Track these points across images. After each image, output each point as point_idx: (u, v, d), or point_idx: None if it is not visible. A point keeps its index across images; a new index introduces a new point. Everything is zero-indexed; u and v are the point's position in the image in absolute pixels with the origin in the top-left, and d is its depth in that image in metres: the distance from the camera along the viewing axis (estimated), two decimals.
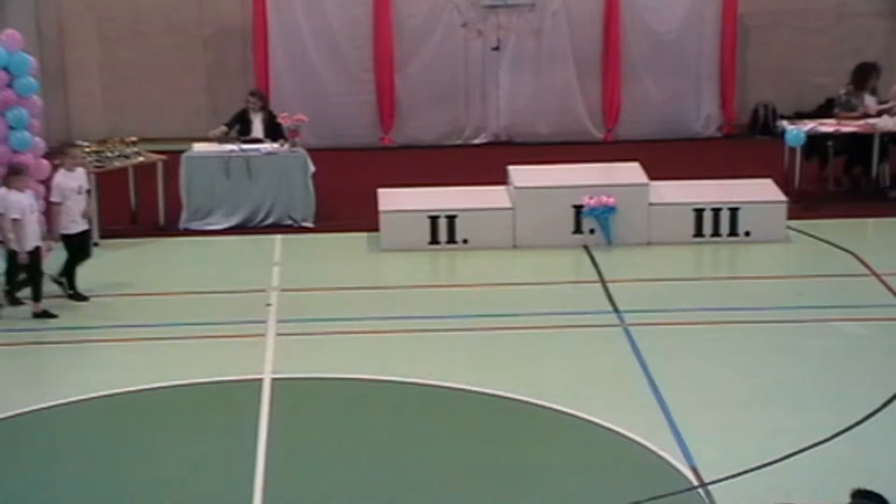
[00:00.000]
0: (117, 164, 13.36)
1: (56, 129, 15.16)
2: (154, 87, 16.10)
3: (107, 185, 13.25)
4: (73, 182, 11.27)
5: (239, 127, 13.99)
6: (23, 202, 10.79)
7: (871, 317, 11.08)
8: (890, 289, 11.66)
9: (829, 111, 14.72)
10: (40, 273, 11.03)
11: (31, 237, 10.90)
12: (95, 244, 13.07)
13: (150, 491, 8.52)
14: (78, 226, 11.33)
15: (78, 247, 11.40)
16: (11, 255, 10.94)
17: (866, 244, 12.85)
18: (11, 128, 11.81)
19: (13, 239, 10.82)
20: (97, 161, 13.23)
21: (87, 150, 13.31)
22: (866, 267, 12.21)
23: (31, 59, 11.98)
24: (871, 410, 9.35)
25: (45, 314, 11.05)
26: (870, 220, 13.65)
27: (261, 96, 14.33)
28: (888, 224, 13.50)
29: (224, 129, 13.84)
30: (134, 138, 13.64)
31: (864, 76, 14.41)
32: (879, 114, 14.13)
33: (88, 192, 11.69)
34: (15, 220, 10.76)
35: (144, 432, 9.32)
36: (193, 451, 9.02)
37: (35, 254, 10.96)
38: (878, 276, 11.98)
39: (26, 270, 11.01)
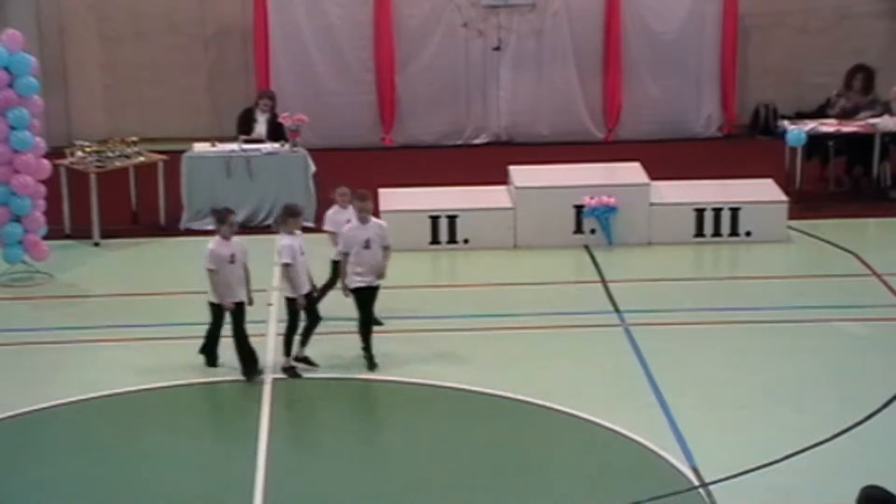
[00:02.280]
0: (118, 164, 13.36)
1: (57, 129, 15.16)
2: (155, 87, 16.09)
3: (107, 185, 13.24)
4: (363, 234, 10.01)
5: (243, 126, 14.01)
6: (293, 245, 9.84)
7: (872, 317, 11.08)
8: (890, 289, 11.66)
9: (826, 111, 14.73)
10: (317, 318, 10.02)
11: (305, 280, 9.91)
12: (96, 244, 13.10)
13: (151, 491, 8.52)
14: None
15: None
16: (290, 303, 9.84)
17: (867, 244, 12.85)
18: (12, 128, 11.81)
19: (288, 286, 9.77)
20: (98, 161, 13.22)
21: (88, 150, 13.32)
22: (867, 267, 12.20)
23: (32, 59, 11.98)
24: (871, 410, 9.35)
25: (303, 363, 10.04)
26: (870, 221, 13.64)
27: (270, 97, 14.32)
28: (889, 224, 13.49)
29: (243, 139, 13.80)
30: (135, 138, 13.63)
31: (850, 77, 14.43)
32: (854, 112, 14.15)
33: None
34: (287, 265, 9.80)
35: (145, 432, 9.31)
36: (194, 451, 9.03)
37: (310, 297, 9.95)
38: (878, 276, 11.98)
39: (307, 316, 9.84)
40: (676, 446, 8.90)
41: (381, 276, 10.01)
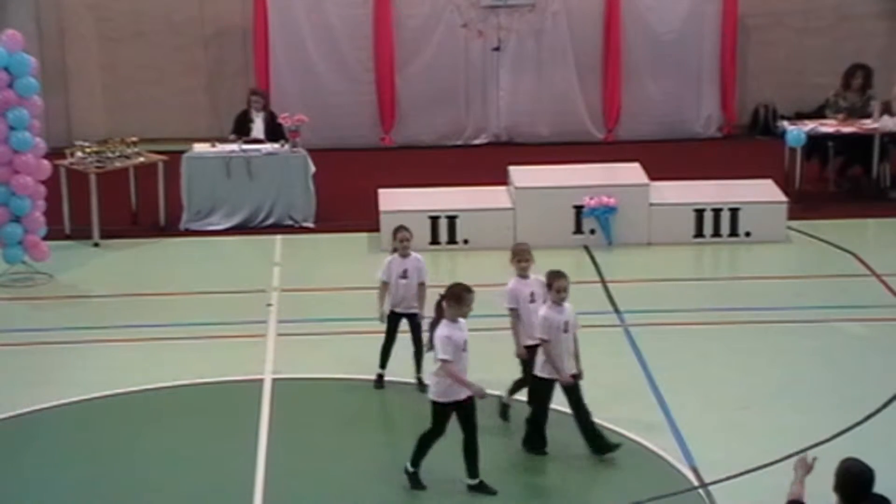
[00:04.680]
0: (118, 164, 13.36)
1: (56, 129, 15.16)
2: (154, 87, 16.09)
3: (107, 185, 13.24)
4: (526, 289, 9.12)
5: (240, 128, 14.01)
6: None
7: (872, 317, 11.08)
8: (890, 289, 11.66)
9: (824, 112, 14.73)
10: (475, 428, 8.47)
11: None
12: (96, 245, 13.10)
13: (151, 491, 8.52)
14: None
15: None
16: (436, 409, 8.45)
17: (866, 244, 12.86)
18: (12, 128, 11.81)
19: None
20: (98, 161, 13.23)
21: (88, 150, 13.32)
22: (866, 267, 12.21)
23: (32, 60, 11.98)
24: (871, 410, 9.36)
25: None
26: (870, 221, 13.64)
27: (262, 95, 14.36)
28: (888, 224, 13.50)
29: (234, 137, 13.82)
30: (134, 138, 13.63)
31: (848, 76, 14.44)
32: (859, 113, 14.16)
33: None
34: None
35: (145, 432, 9.32)
36: (194, 451, 9.03)
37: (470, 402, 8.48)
38: (878, 276, 11.98)
39: (462, 426, 8.43)
40: (676, 446, 8.91)
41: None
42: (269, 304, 11.50)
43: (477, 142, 16.23)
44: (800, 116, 15.16)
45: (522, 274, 9.07)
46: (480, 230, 12.74)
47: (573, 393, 8.66)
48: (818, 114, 15.07)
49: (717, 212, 12.90)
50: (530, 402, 8.86)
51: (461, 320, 8.28)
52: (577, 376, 8.65)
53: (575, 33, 15.98)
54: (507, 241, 12.69)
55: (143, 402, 9.77)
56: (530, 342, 8.92)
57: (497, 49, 16.05)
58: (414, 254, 9.78)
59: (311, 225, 13.52)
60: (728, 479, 8.49)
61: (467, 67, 16.09)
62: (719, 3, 15.99)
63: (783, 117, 15.26)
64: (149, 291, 11.92)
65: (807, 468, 6.21)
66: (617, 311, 11.13)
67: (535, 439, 8.80)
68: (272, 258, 12.75)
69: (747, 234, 12.91)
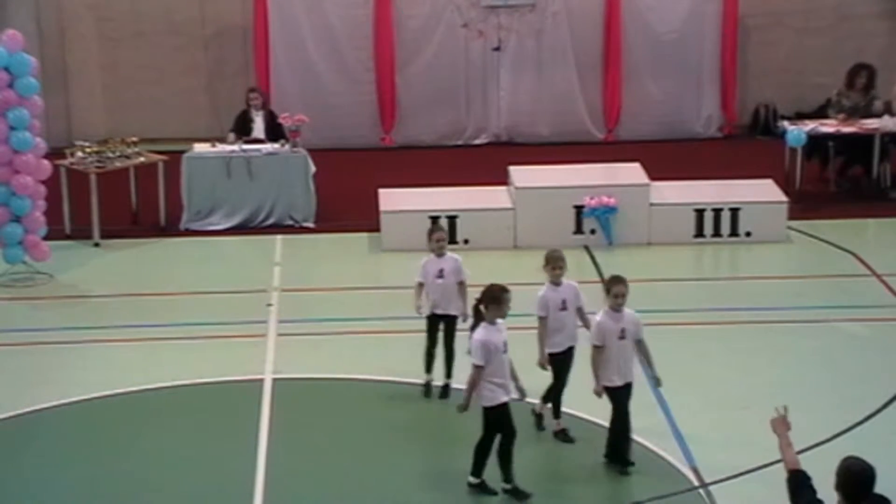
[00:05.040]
0: (118, 164, 13.36)
1: (57, 129, 15.16)
2: (155, 87, 16.09)
3: (108, 185, 13.24)
4: (558, 296, 8.92)
5: (241, 128, 14.01)
6: (489, 342, 8.20)
7: (872, 317, 11.08)
8: (890, 289, 11.66)
9: (826, 112, 14.72)
10: (513, 433, 8.31)
11: (506, 386, 8.29)
12: (96, 244, 13.10)
13: (151, 491, 8.52)
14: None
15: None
16: (487, 414, 8.31)
17: (867, 244, 12.85)
18: (12, 128, 11.82)
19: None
20: (98, 161, 13.23)
21: (88, 150, 13.32)
22: (867, 267, 12.20)
23: (32, 60, 11.98)
24: (871, 411, 9.36)
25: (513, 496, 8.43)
26: (870, 221, 13.64)
27: (261, 92, 14.37)
28: (889, 224, 13.49)
29: (233, 136, 13.83)
30: (135, 138, 13.63)
31: (852, 76, 14.44)
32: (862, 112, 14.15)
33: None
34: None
35: (145, 432, 9.32)
36: (194, 451, 9.03)
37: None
38: (878, 276, 11.98)
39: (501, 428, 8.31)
40: (676, 447, 8.91)
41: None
42: (270, 304, 11.50)
43: (477, 142, 16.23)
44: (800, 116, 15.16)
45: (555, 281, 8.89)
46: (481, 230, 12.73)
47: (621, 400, 8.45)
48: (818, 114, 15.07)
49: (717, 212, 12.89)
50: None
51: (499, 322, 8.15)
52: (623, 387, 8.41)
53: (575, 33, 15.98)
54: (508, 242, 12.76)
55: (143, 402, 9.77)
56: (555, 350, 8.84)
57: (497, 49, 16.04)
58: (450, 253, 9.67)
59: (311, 225, 13.52)
60: (728, 479, 8.49)
61: (467, 67, 16.09)
62: (719, 3, 15.99)
63: (783, 117, 15.26)
64: (149, 291, 11.92)
65: (787, 425, 6.21)
66: None
67: (619, 451, 8.52)
68: (272, 258, 12.75)
69: (748, 234, 12.91)
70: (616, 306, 8.41)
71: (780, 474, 7.95)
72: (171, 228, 13.44)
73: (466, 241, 12.77)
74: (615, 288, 8.41)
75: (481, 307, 8.17)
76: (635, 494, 8.37)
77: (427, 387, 9.68)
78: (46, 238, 12.29)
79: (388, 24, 15.82)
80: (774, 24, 16.36)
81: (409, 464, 8.84)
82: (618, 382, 8.46)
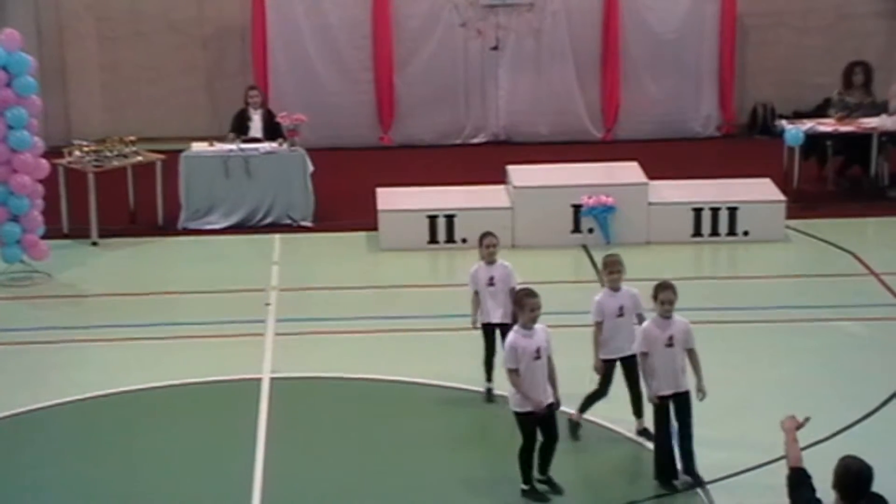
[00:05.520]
0: (116, 163, 13.36)
1: (55, 128, 15.16)
2: (153, 86, 16.09)
3: (105, 184, 13.23)
4: (615, 302, 8.77)
5: (238, 127, 14.01)
6: (519, 348, 8.05)
7: (870, 316, 11.08)
8: (889, 288, 11.66)
9: (826, 111, 14.71)
10: (555, 437, 8.25)
11: (540, 389, 8.09)
12: (94, 244, 13.10)
13: (149, 490, 8.52)
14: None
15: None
16: (519, 419, 8.19)
17: (865, 244, 12.85)
18: (10, 127, 11.81)
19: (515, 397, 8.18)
20: (96, 160, 13.22)
21: (86, 149, 13.32)
22: (865, 266, 12.21)
23: (31, 59, 11.98)
24: (869, 409, 9.36)
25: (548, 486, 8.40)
26: (869, 220, 13.64)
27: (260, 90, 14.38)
28: (887, 223, 13.50)
29: (233, 136, 13.82)
30: (133, 138, 13.63)
31: (849, 74, 14.45)
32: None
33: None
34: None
35: (142, 432, 9.31)
36: (192, 450, 9.03)
37: (550, 409, 8.26)
38: (876, 275, 11.98)
39: (543, 433, 8.21)
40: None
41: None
42: (268, 304, 11.49)
43: (475, 141, 16.23)
44: (798, 116, 15.16)
45: (613, 286, 8.71)
46: (479, 229, 12.57)
47: (666, 412, 8.24)
48: (817, 113, 15.06)
49: (715, 211, 12.90)
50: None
51: (536, 328, 7.99)
52: (671, 395, 8.18)
53: (574, 32, 15.98)
54: (506, 241, 12.69)
55: (141, 401, 9.77)
56: (611, 357, 8.72)
57: (496, 48, 16.04)
58: (500, 261, 9.47)
59: (309, 224, 13.52)
60: (726, 477, 8.49)
61: (466, 67, 16.09)
62: (718, 3, 15.99)
63: (781, 116, 15.26)
64: (147, 290, 11.92)
65: (797, 424, 6.21)
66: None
67: (666, 469, 8.28)
68: (270, 257, 12.75)
69: (745, 234, 12.91)
70: (664, 313, 8.18)
71: (777, 473, 7.95)
72: (169, 227, 13.44)
73: (465, 241, 12.76)
74: (662, 294, 8.17)
75: (516, 307, 8.14)
76: (632, 494, 8.37)
77: (489, 393, 9.54)
78: (44, 237, 12.29)
79: (386, 23, 15.82)
80: (773, 23, 16.36)
81: (409, 463, 8.84)
82: (665, 391, 8.21)
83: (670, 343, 8.16)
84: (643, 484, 8.48)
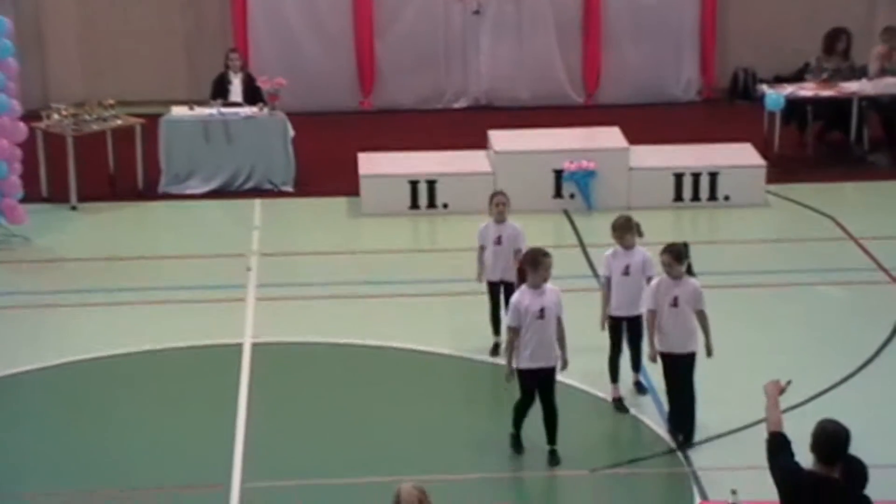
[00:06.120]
0: (95, 127, 13.25)
1: (33, 91, 15.00)
2: (132, 49, 15.94)
3: (84, 148, 13.14)
4: (621, 262, 8.98)
5: (218, 91, 13.91)
6: (521, 306, 8.16)
7: (849, 280, 11.15)
8: (867, 253, 11.73)
9: (804, 76, 14.71)
10: (553, 409, 8.35)
11: (544, 350, 8.23)
12: (73, 208, 13.03)
13: (130, 455, 8.52)
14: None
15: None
16: (519, 377, 8.33)
17: (845, 208, 12.90)
18: None
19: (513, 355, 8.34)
20: (74, 124, 13.12)
21: (64, 113, 13.21)
22: (844, 231, 12.26)
23: (7, 21, 11.85)
24: (848, 373, 9.44)
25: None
26: (848, 185, 13.69)
27: (241, 54, 14.28)
28: (866, 188, 13.55)
29: (213, 103, 13.69)
30: (112, 101, 13.51)
31: (832, 41, 14.47)
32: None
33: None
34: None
35: (122, 397, 9.31)
36: (173, 415, 9.03)
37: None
38: (855, 240, 12.04)
39: (542, 401, 8.34)
40: (655, 410, 8.97)
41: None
42: (249, 269, 11.47)
43: (456, 106, 16.18)
44: (779, 80, 15.16)
45: (625, 245, 8.92)
46: (460, 194, 12.71)
47: (673, 370, 8.43)
48: (797, 78, 15.06)
49: (696, 176, 12.91)
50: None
51: (545, 286, 8.09)
52: (677, 356, 8.38)
53: None
54: (487, 206, 12.71)
55: (121, 366, 9.75)
56: (617, 314, 8.92)
57: (477, 13, 15.95)
58: (510, 221, 9.57)
59: (290, 189, 13.47)
60: (706, 441, 8.55)
61: (447, 31, 16.01)
62: None
63: (762, 81, 15.26)
64: (127, 255, 11.87)
65: (780, 389, 6.26)
66: (596, 275, 11.13)
67: (678, 420, 8.51)
68: (251, 222, 12.71)
69: (726, 198, 12.94)
70: (668, 274, 8.39)
71: (754, 436, 8.02)
72: (149, 192, 13.37)
73: (446, 206, 12.75)
74: (661, 257, 8.43)
75: (523, 269, 8.20)
76: (614, 457, 8.43)
77: (496, 347, 9.63)
78: (23, 201, 12.21)
79: None
80: None
81: (390, 428, 8.86)
82: (671, 350, 8.41)
83: (675, 303, 8.34)
84: (622, 447, 8.55)
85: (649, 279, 8.81)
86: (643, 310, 8.65)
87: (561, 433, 8.41)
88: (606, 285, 8.97)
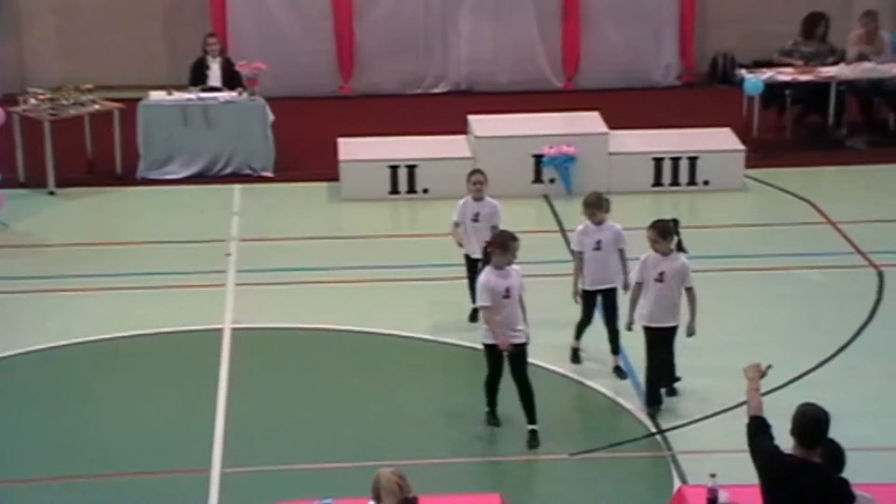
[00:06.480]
0: (72, 111, 13.18)
1: (9, 75, 14.92)
2: (110, 33, 15.84)
3: (62, 133, 13.07)
4: (593, 237, 9.25)
5: (196, 76, 13.84)
6: (489, 285, 8.27)
7: (827, 264, 11.21)
8: (845, 237, 11.79)
9: (780, 59, 14.72)
10: (527, 387, 8.45)
11: (510, 326, 8.33)
12: (51, 193, 12.96)
13: (110, 441, 8.51)
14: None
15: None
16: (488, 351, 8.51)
17: (823, 193, 12.96)
18: None
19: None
20: (52, 109, 13.04)
21: (42, 97, 13.13)
22: (822, 215, 12.32)
23: None
24: (826, 356, 9.49)
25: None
26: (826, 169, 13.75)
27: (219, 38, 14.21)
28: (844, 172, 13.61)
29: (192, 88, 13.63)
30: (89, 86, 13.45)
31: (811, 25, 14.51)
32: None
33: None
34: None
35: (102, 382, 9.30)
36: (153, 400, 9.02)
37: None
38: (833, 224, 12.10)
39: (515, 380, 8.47)
40: (634, 393, 9.01)
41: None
42: (228, 254, 11.45)
43: (436, 90, 16.15)
44: (758, 65, 15.18)
45: (594, 221, 9.20)
46: (440, 179, 12.70)
47: (659, 341, 8.67)
48: (775, 62, 15.07)
49: (675, 160, 12.95)
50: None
51: (510, 268, 8.28)
52: (662, 329, 8.61)
53: None
54: (467, 191, 12.72)
55: (101, 351, 9.73)
56: (590, 288, 9.16)
57: None
58: (488, 198, 9.75)
59: (269, 174, 13.44)
60: (684, 425, 8.60)
61: (427, 15, 15.97)
62: None
63: (741, 66, 15.28)
64: (106, 240, 11.83)
65: (760, 373, 6.31)
66: None
67: (653, 395, 8.74)
68: (231, 207, 12.68)
69: (706, 183, 12.98)
70: (654, 249, 8.64)
71: (733, 420, 8.07)
72: (127, 177, 13.31)
73: (426, 191, 12.75)
74: (647, 233, 8.69)
75: (490, 250, 8.35)
76: (593, 442, 8.46)
77: (474, 313, 9.69)
78: (0, 186, 12.13)
79: None
80: None
81: (369, 412, 8.87)
82: (654, 324, 8.65)
83: (660, 279, 8.56)
84: (601, 431, 8.58)
85: (621, 252, 9.15)
86: (617, 284, 9.07)
87: (540, 418, 8.44)
88: (578, 259, 9.22)
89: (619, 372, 9.27)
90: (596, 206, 9.21)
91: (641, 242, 8.83)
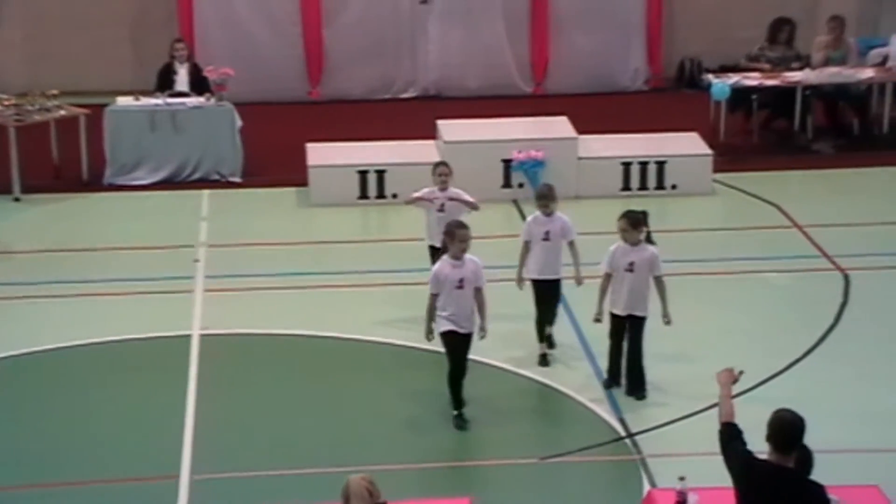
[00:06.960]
0: (38, 117, 13.10)
1: None
2: (77, 38, 15.74)
3: (27, 138, 12.98)
4: (542, 228, 9.47)
5: (163, 81, 13.77)
6: (440, 275, 8.49)
7: (794, 268, 11.29)
8: (812, 240, 11.87)
9: (745, 65, 14.82)
10: (462, 368, 8.62)
11: (462, 316, 8.52)
12: (17, 199, 12.86)
13: (79, 447, 8.46)
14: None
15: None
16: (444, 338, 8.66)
17: (790, 196, 13.05)
18: None
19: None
20: (17, 114, 12.95)
21: (6, 103, 13.03)
22: (789, 219, 12.41)
23: None
24: (793, 359, 9.55)
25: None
26: (793, 173, 13.84)
27: (186, 44, 14.15)
28: (811, 176, 13.71)
29: (159, 95, 13.54)
30: (55, 91, 13.36)
31: (777, 30, 14.63)
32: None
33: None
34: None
35: (71, 389, 9.23)
36: (122, 407, 8.97)
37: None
38: (800, 227, 12.19)
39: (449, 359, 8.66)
40: (604, 397, 9.03)
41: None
42: (197, 260, 11.40)
43: (405, 95, 16.15)
44: (725, 69, 15.28)
45: (545, 213, 9.41)
46: (409, 184, 12.62)
47: (634, 330, 8.88)
48: (741, 67, 15.18)
49: (643, 165, 13.00)
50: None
51: (466, 258, 8.39)
52: (632, 317, 8.85)
53: None
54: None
55: (69, 358, 9.66)
56: (537, 277, 9.33)
57: (425, 2, 15.93)
58: (452, 188, 9.91)
59: (238, 179, 13.39)
60: (654, 429, 8.63)
61: (396, 20, 15.97)
62: None
63: (708, 70, 15.37)
64: (73, 247, 11.75)
65: (733, 379, 6.33)
66: None
67: (613, 376, 9.03)
68: (199, 213, 12.62)
69: (674, 187, 13.04)
70: (623, 239, 8.87)
71: (702, 423, 8.11)
72: (94, 183, 13.23)
73: (395, 196, 12.73)
74: (618, 223, 8.94)
75: (446, 240, 8.51)
76: (563, 445, 8.48)
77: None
78: None
79: None
80: None
81: (339, 418, 8.85)
82: (619, 312, 8.87)
83: (630, 268, 8.81)
84: (571, 435, 8.60)
85: (571, 244, 9.39)
86: (562, 274, 9.32)
87: (510, 421, 8.44)
88: (525, 248, 9.38)
89: (550, 342, 9.50)
90: (549, 198, 9.43)
91: (607, 245, 8.85)
